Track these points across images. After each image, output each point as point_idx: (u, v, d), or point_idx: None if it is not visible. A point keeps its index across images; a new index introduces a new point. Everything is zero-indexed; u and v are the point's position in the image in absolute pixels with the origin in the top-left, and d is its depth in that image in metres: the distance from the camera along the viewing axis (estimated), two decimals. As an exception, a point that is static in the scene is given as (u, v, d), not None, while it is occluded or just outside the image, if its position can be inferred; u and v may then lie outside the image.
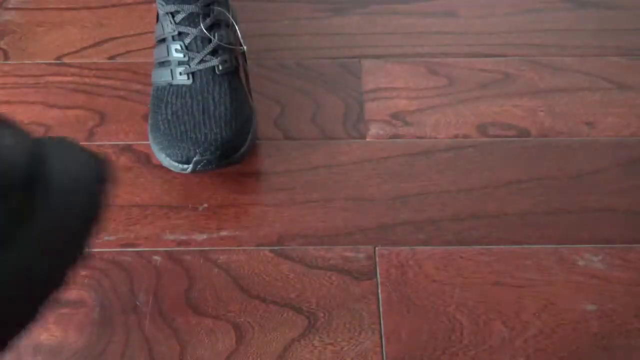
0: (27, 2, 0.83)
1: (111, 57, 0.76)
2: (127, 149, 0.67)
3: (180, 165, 0.61)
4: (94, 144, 0.68)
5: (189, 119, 0.61)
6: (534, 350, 0.54)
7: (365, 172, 0.65)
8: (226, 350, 0.54)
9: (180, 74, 0.64)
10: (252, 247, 0.60)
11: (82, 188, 0.27)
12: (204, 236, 0.60)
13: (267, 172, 0.65)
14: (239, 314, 0.56)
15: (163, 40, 0.66)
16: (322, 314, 0.56)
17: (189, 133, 0.61)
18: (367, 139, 0.67)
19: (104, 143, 0.68)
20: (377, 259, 0.59)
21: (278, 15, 0.79)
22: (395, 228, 0.61)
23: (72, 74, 0.74)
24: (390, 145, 0.67)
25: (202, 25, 0.64)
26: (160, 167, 0.65)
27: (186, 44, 0.64)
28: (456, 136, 0.68)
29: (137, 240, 0.60)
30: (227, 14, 0.66)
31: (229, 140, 0.61)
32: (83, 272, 0.58)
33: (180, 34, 0.64)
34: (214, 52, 0.64)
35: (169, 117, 0.62)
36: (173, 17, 0.64)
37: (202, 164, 0.60)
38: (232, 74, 0.65)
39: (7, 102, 0.71)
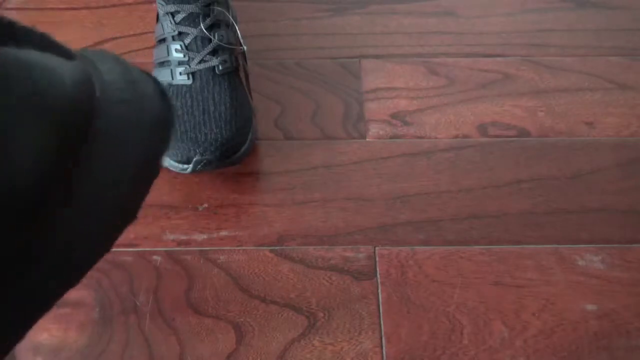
0: (27, 2, 0.83)
1: (111, 57, 0.76)
2: (127, 149, 0.67)
3: (180, 165, 0.61)
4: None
5: (189, 119, 0.61)
6: (534, 350, 0.54)
7: (365, 172, 0.65)
8: (226, 350, 0.54)
9: (180, 74, 0.64)
10: (252, 247, 0.60)
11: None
12: (204, 236, 0.60)
13: (267, 172, 0.65)
14: (239, 314, 0.56)
15: (163, 40, 0.66)
16: (322, 314, 0.56)
17: (189, 133, 0.61)
18: (367, 139, 0.67)
19: (104, 143, 0.67)
20: (377, 259, 0.59)
21: (278, 15, 0.79)
22: (395, 228, 0.61)
23: (72, 74, 0.74)
24: (390, 145, 0.67)
25: (202, 25, 0.64)
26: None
27: (186, 44, 0.64)
28: (456, 136, 0.68)
29: (137, 240, 0.60)
30: (227, 14, 0.66)
31: (229, 140, 0.61)
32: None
33: (180, 34, 0.64)
34: (214, 52, 0.64)
35: (169, 117, 0.62)
36: (173, 17, 0.64)
37: (202, 164, 0.60)
38: (232, 74, 0.65)
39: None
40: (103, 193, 0.23)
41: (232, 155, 0.61)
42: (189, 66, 0.64)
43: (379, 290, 0.57)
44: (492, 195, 0.63)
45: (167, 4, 0.64)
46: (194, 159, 0.60)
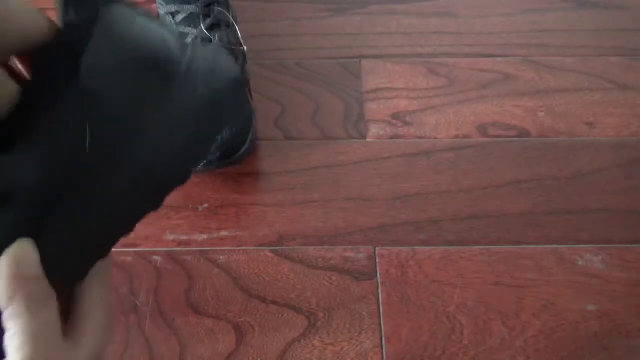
0: (27, 3, 0.83)
1: (111, 57, 0.76)
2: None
3: (180, 165, 0.61)
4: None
5: (189, 119, 0.61)
6: (534, 350, 0.54)
7: (365, 172, 0.65)
8: (226, 350, 0.54)
9: (180, 74, 0.63)
10: (252, 247, 0.60)
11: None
12: (204, 236, 0.60)
13: (267, 172, 0.65)
14: (239, 314, 0.56)
15: (163, 40, 0.65)
16: (322, 314, 0.56)
17: (189, 133, 0.61)
18: (367, 139, 0.67)
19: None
20: (377, 259, 0.59)
21: (278, 15, 0.79)
22: (395, 228, 0.61)
23: (72, 74, 0.74)
24: (390, 145, 0.67)
25: (202, 25, 0.64)
26: (160, 167, 0.65)
27: (186, 44, 0.64)
28: (456, 136, 0.68)
29: (137, 240, 0.60)
30: (227, 14, 0.66)
31: (229, 140, 0.61)
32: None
33: (180, 34, 0.64)
34: (214, 52, 0.64)
35: (169, 117, 0.62)
36: (173, 17, 0.64)
37: (202, 164, 0.60)
38: (232, 74, 0.65)
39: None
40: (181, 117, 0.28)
41: (232, 155, 0.61)
42: (189, 66, 0.63)
43: (379, 290, 0.57)
44: (492, 195, 0.63)
45: (167, 4, 0.64)
46: (194, 159, 0.60)
